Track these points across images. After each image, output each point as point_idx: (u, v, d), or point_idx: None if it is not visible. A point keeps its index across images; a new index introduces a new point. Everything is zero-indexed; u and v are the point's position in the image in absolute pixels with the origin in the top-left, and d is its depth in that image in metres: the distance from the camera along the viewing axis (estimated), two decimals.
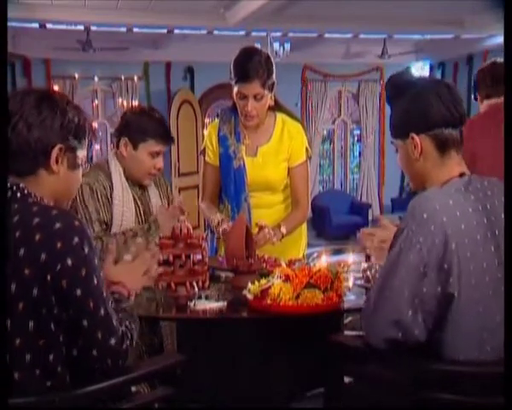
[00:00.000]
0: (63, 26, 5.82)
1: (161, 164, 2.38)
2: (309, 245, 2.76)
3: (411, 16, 6.04)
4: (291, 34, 6.54)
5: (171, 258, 1.96)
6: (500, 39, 5.66)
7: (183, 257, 1.96)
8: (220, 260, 2.27)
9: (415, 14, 5.98)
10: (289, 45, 6.66)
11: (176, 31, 6.26)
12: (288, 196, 2.56)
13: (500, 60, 2.84)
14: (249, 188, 2.50)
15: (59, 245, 1.19)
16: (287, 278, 1.82)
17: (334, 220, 7.95)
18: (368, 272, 2.02)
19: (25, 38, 6.32)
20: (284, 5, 5.17)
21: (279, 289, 1.78)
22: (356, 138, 9.48)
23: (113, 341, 1.27)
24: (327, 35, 6.79)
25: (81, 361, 1.26)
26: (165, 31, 6.29)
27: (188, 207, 2.30)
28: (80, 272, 1.21)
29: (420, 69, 8.53)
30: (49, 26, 5.76)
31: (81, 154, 1.39)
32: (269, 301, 1.77)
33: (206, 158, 2.60)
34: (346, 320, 2.41)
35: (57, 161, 1.32)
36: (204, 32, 6.30)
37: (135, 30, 6.12)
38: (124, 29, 6.05)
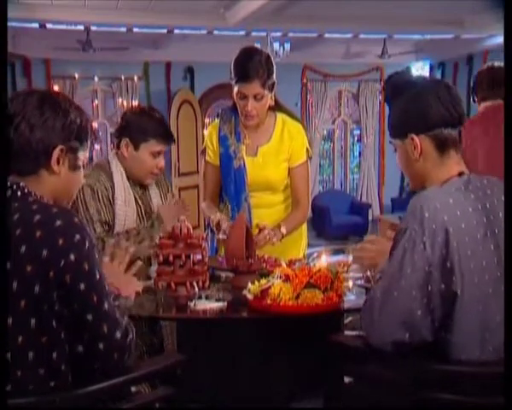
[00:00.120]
0: (63, 26, 5.82)
1: (163, 163, 2.38)
2: (309, 245, 2.76)
3: (411, 16, 6.04)
4: (291, 34, 6.54)
5: (171, 258, 1.96)
6: (500, 39, 5.67)
7: (183, 257, 1.97)
8: (220, 260, 2.27)
9: (415, 14, 5.98)
10: (289, 45, 6.66)
11: (176, 31, 6.26)
12: (288, 196, 2.57)
13: (498, 63, 2.88)
14: (249, 188, 2.50)
15: (61, 242, 1.20)
16: (287, 278, 1.82)
17: (334, 220, 7.94)
18: (368, 272, 2.01)
19: (25, 38, 6.32)
20: (284, 5, 5.17)
21: (279, 289, 1.78)
22: (356, 138, 9.48)
23: (118, 334, 1.28)
24: (327, 35, 6.78)
25: (87, 358, 1.27)
26: (165, 31, 6.29)
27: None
28: (83, 266, 1.22)
29: (420, 69, 8.53)
30: (49, 26, 5.75)
31: (82, 155, 1.40)
32: (269, 301, 1.77)
33: (207, 158, 2.60)
34: (346, 320, 2.41)
35: (58, 162, 1.33)
36: (204, 32, 6.30)
37: (135, 30, 6.12)
38: (124, 29, 6.05)
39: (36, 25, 5.71)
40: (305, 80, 8.35)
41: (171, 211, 2.30)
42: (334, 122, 8.95)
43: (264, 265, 2.16)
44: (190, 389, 1.91)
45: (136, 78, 7.53)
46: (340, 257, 2.36)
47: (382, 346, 1.40)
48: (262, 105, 2.40)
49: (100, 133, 7.61)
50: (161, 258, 1.97)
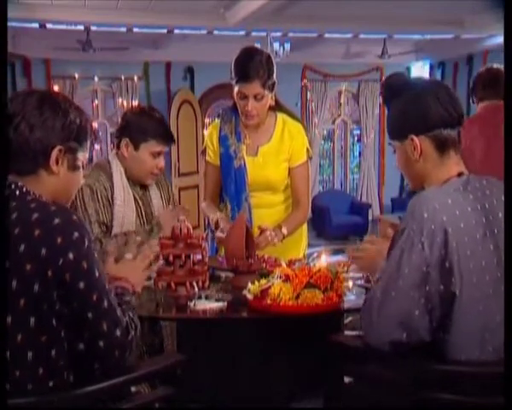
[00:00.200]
0: (63, 26, 5.82)
1: (163, 164, 2.38)
2: (309, 245, 2.76)
3: (411, 16, 6.04)
4: (291, 34, 6.54)
5: (171, 258, 1.96)
6: (500, 39, 5.67)
7: (183, 257, 1.97)
8: (220, 260, 2.27)
9: (415, 14, 5.98)
10: (289, 45, 6.66)
11: (176, 31, 6.26)
12: (288, 196, 2.57)
13: (496, 65, 2.92)
14: (250, 188, 2.50)
15: (59, 240, 1.20)
16: (287, 278, 1.82)
17: (334, 220, 7.94)
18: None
19: (25, 38, 6.32)
20: (284, 5, 5.17)
21: (279, 289, 1.78)
22: (356, 138, 9.48)
23: (118, 332, 1.28)
24: (327, 35, 6.78)
25: (87, 356, 1.27)
26: (165, 31, 6.29)
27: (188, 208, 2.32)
28: (82, 265, 1.22)
29: (420, 69, 8.53)
30: (49, 26, 5.75)
31: (82, 155, 1.40)
32: (269, 301, 1.77)
33: (207, 158, 2.60)
34: (346, 320, 2.41)
35: (57, 162, 1.33)
36: (204, 32, 6.30)
37: (135, 30, 6.12)
38: (124, 29, 6.05)
39: (36, 25, 5.71)
40: (305, 80, 8.35)
41: (171, 218, 2.27)
42: (334, 122, 8.95)
43: (264, 265, 2.16)
44: (190, 389, 1.91)
45: (136, 78, 7.53)
46: (340, 257, 2.36)
47: (380, 346, 1.40)
48: (262, 105, 2.40)
49: (100, 133, 7.61)
50: (161, 258, 1.97)
